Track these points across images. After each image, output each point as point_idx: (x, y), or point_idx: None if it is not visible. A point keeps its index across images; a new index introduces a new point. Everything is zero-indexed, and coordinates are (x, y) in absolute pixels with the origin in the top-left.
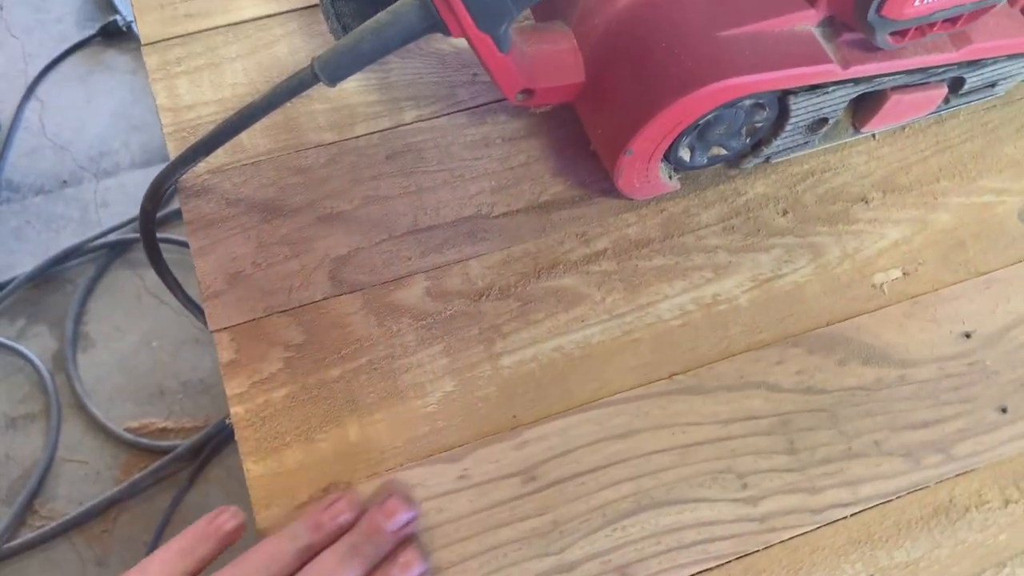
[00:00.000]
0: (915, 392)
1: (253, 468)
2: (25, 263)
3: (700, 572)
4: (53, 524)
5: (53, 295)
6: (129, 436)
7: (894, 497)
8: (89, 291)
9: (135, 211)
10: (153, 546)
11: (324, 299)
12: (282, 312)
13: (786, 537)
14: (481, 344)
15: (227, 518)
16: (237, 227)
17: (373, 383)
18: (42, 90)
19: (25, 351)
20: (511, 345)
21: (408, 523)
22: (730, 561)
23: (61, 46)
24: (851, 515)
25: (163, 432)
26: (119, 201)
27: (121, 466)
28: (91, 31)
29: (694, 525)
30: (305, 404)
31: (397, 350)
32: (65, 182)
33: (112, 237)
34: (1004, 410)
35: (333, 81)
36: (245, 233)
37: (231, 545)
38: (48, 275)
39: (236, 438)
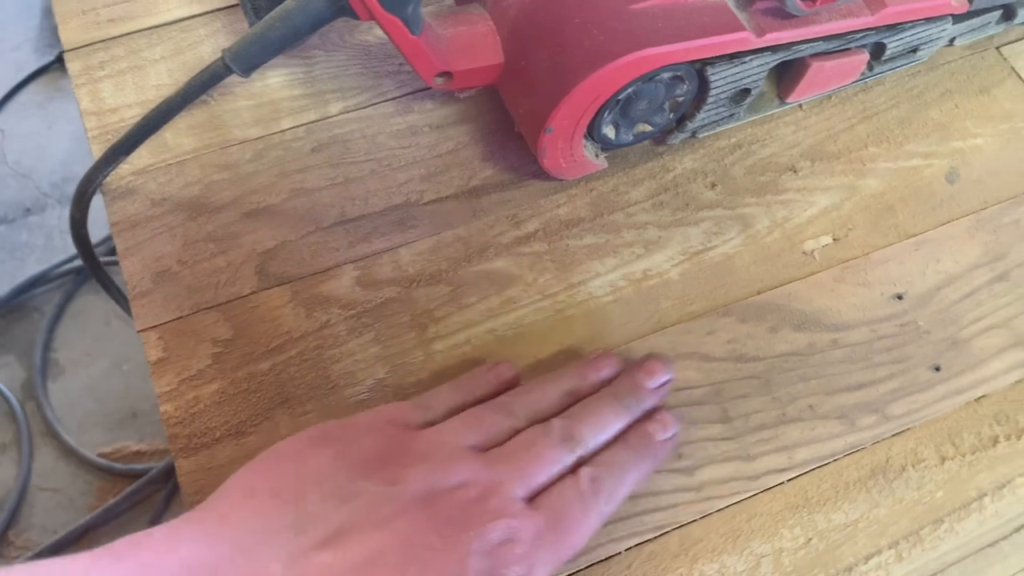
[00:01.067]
0: (848, 355)
1: (184, 464)
2: None
3: (637, 544)
4: (29, 554)
5: (20, 324)
6: (102, 461)
7: (830, 460)
8: (57, 318)
9: (102, 235)
10: None
11: (252, 293)
12: (209, 308)
13: (723, 505)
14: (413, 331)
15: (505, 368)
16: (163, 226)
17: (303, 375)
18: (2, 119)
19: None
20: (444, 330)
21: (665, 383)
22: (667, 532)
23: (19, 74)
24: (788, 480)
25: (137, 455)
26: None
27: (95, 492)
28: (49, 58)
29: (631, 497)
30: (234, 399)
31: (327, 341)
32: (28, 210)
33: (78, 263)
34: (937, 368)
35: (245, 71)
36: (171, 232)
37: (507, 391)
38: (14, 304)
39: (167, 436)
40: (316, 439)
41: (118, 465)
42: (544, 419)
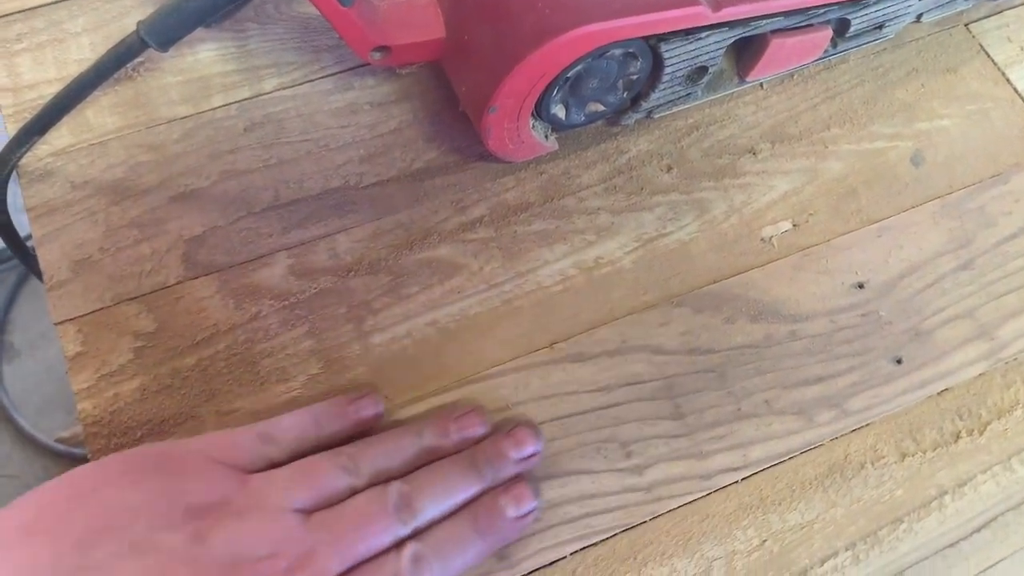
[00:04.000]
0: (807, 347)
1: None
2: None
3: (583, 548)
4: None
5: None
6: (60, 447)
7: (786, 458)
8: (11, 300)
9: None
10: None
11: (177, 283)
12: (131, 299)
13: (674, 506)
14: (350, 323)
15: (368, 404)
16: (83, 211)
17: (231, 370)
18: None
19: None
20: (383, 322)
21: (531, 456)
22: (616, 534)
23: None
24: (742, 479)
25: None
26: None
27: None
28: None
29: (577, 499)
30: (157, 395)
31: (257, 334)
32: None
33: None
34: (899, 361)
35: (163, 45)
36: (92, 217)
37: (365, 430)
38: None
39: (83, 436)
40: (127, 470)
41: (77, 450)
42: (389, 478)
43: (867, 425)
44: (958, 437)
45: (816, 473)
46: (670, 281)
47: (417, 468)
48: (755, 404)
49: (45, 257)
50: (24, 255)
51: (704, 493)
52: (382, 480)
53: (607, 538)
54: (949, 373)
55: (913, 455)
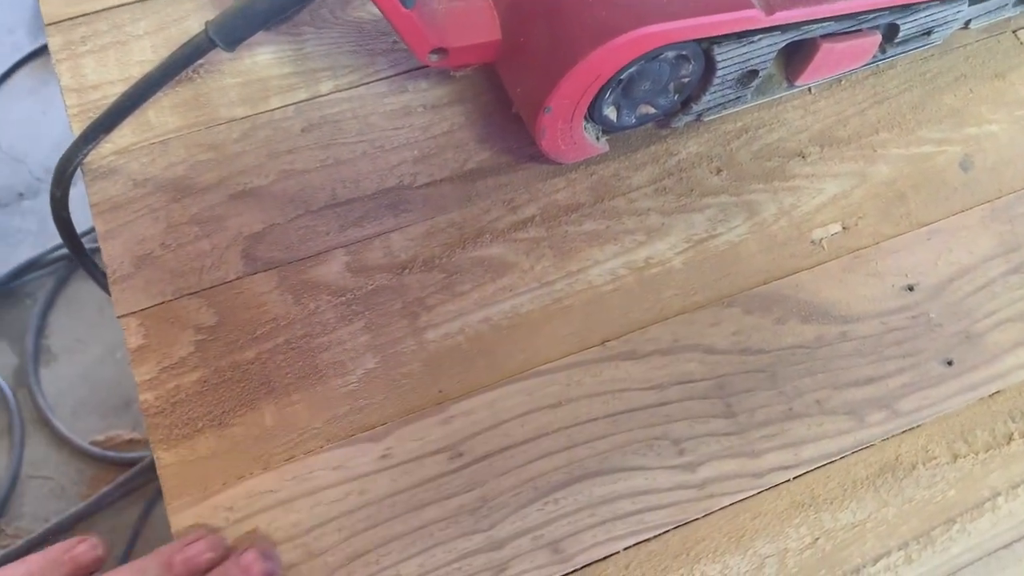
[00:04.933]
0: (857, 348)
1: (164, 456)
2: None
3: (637, 543)
4: (20, 542)
5: (13, 310)
6: (95, 450)
7: (838, 457)
8: (49, 304)
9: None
10: (123, 560)
11: (237, 279)
12: (193, 294)
13: (726, 503)
14: (405, 319)
15: (85, 549)
16: (145, 208)
17: (290, 363)
18: None
19: None
20: (436, 318)
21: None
22: (668, 531)
23: (13, 57)
24: (794, 478)
25: (130, 444)
26: (77, 211)
27: (88, 481)
28: (44, 40)
29: (629, 495)
30: (218, 388)
31: (315, 328)
32: (22, 195)
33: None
34: (949, 363)
35: (230, 45)
36: (153, 214)
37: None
38: (6, 290)
39: (146, 427)
40: None
41: (111, 453)
42: None
43: (918, 426)
44: (1011, 439)
45: (868, 473)
46: (720, 282)
47: None
48: (806, 404)
49: (108, 252)
50: (80, 253)
51: (756, 491)
52: None
53: (660, 534)
54: (1000, 376)
55: (965, 456)
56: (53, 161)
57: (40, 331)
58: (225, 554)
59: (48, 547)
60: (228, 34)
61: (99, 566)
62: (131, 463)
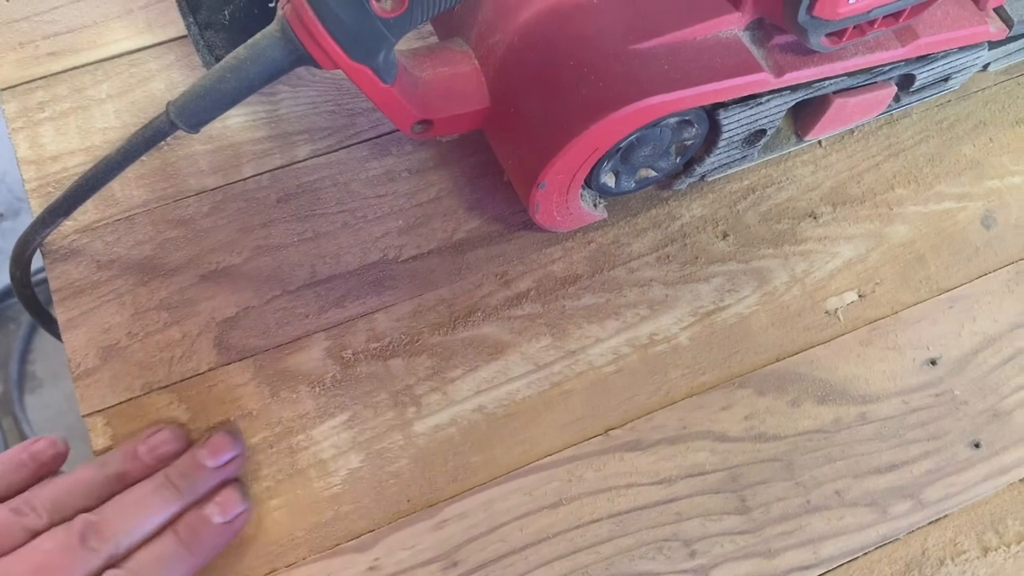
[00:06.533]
0: (878, 431)
1: None
2: None
3: None
4: None
5: None
6: None
7: (860, 554)
8: (34, 328)
9: None
10: None
11: (210, 370)
12: (162, 388)
13: None
14: (391, 410)
15: (44, 446)
16: (110, 293)
17: (268, 464)
18: None
19: None
20: (426, 409)
21: (232, 460)
22: None
23: None
24: None
25: None
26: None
27: None
28: None
29: None
30: None
31: (295, 424)
32: (2, 215)
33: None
34: (977, 445)
35: (194, 127)
36: (119, 299)
37: (48, 474)
38: None
39: None
40: None
41: None
42: (75, 514)
43: (945, 517)
44: None
45: (893, 571)
46: (730, 359)
47: (111, 496)
48: (825, 495)
49: (71, 343)
50: (52, 326)
51: None
52: (68, 517)
53: None
54: None
55: (996, 549)
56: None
57: (24, 356)
58: (188, 444)
59: (3, 452)
60: (191, 116)
61: (61, 462)
62: None
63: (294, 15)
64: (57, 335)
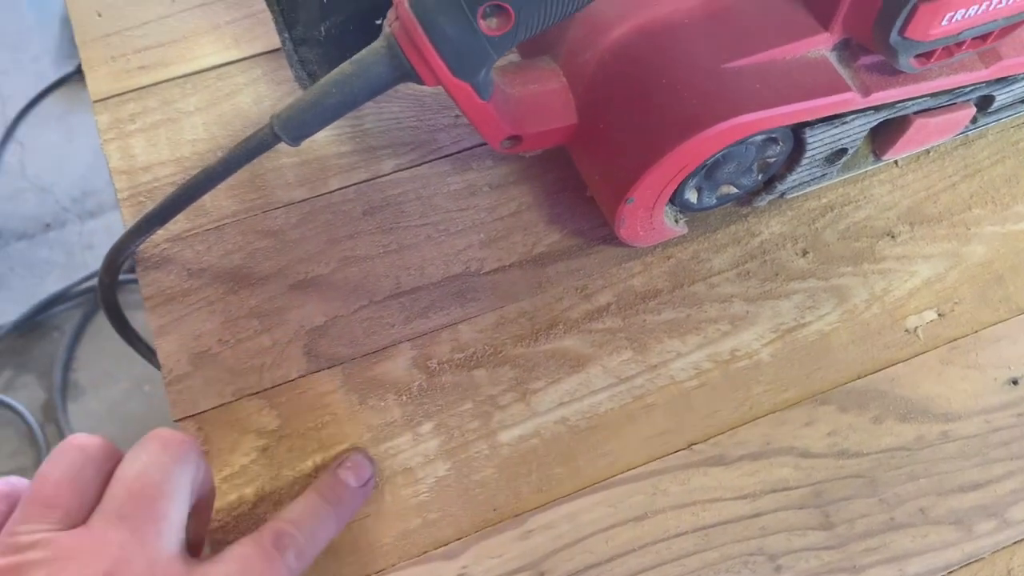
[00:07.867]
0: (961, 450)
1: None
2: (9, 311)
3: None
4: None
5: (40, 343)
6: None
7: (945, 572)
8: (77, 337)
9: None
10: None
11: (300, 377)
12: (253, 395)
13: None
14: (476, 419)
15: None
16: (201, 300)
17: None
18: (21, 132)
19: (13, 403)
20: (510, 419)
21: (369, 481)
22: None
23: (39, 85)
24: None
25: None
26: (104, 243)
27: None
28: (69, 69)
29: None
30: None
31: (383, 432)
32: (48, 225)
33: (98, 280)
34: None
35: (296, 140)
36: (210, 307)
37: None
38: (34, 323)
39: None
40: None
41: None
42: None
43: None
44: None
45: None
46: (812, 376)
47: None
48: (909, 513)
49: (163, 349)
50: (131, 338)
51: None
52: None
53: None
54: None
55: None
56: (79, 191)
57: (68, 365)
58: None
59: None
60: (295, 129)
61: None
62: None
63: (402, 32)
64: (132, 343)
